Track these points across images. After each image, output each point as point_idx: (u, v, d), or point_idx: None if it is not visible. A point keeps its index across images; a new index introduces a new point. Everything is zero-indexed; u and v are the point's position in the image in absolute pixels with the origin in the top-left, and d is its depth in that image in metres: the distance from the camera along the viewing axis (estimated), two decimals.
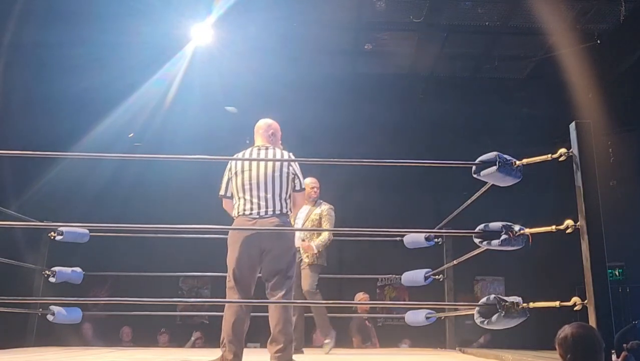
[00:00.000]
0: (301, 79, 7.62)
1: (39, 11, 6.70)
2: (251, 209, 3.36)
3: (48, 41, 7.11)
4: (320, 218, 4.97)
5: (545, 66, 7.88)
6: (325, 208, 5.00)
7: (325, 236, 4.91)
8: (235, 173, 3.46)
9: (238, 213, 3.40)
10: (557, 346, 2.20)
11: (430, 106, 8.24)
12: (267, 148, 3.55)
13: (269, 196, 3.38)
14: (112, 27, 6.95)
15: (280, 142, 3.69)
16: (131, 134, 8.01)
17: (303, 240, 4.88)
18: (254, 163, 3.46)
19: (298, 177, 3.50)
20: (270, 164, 3.45)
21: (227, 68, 7.39)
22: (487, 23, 7.27)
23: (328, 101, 7.93)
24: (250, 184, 3.40)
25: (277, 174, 3.42)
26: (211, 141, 7.25)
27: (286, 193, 3.44)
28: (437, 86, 8.23)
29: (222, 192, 3.53)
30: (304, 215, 4.98)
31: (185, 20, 6.89)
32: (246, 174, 3.43)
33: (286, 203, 3.43)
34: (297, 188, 3.51)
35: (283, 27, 7.19)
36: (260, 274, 3.41)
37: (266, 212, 3.35)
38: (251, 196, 3.38)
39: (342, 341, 6.54)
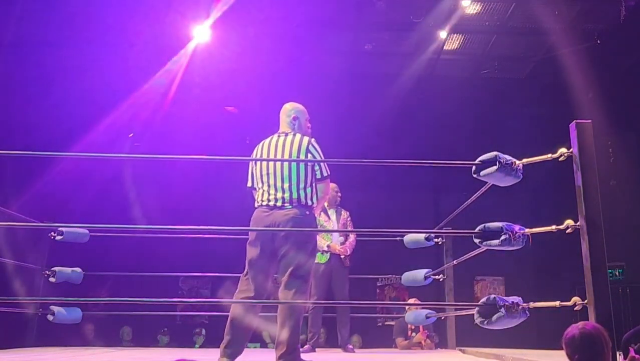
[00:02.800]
0: (301, 79, 7.63)
1: (39, 11, 6.70)
2: (268, 199, 3.19)
3: (48, 41, 7.11)
4: (347, 223, 5.29)
5: (545, 66, 7.89)
6: (348, 213, 5.36)
7: (352, 239, 5.26)
8: (255, 163, 3.31)
9: (257, 203, 3.26)
10: (564, 346, 2.17)
11: (430, 106, 8.24)
12: (286, 135, 3.35)
13: (286, 185, 3.17)
14: (112, 27, 6.95)
15: (308, 125, 3.50)
16: (131, 134, 8.01)
17: (342, 243, 5.17)
18: (272, 151, 3.28)
19: (319, 164, 3.25)
20: (287, 151, 3.24)
21: (227, 68, 7.40)
22: (487, 23, 7.28)
23: (328, 100, 7.92)
24: (268, 173, 3.23)
25: (294, 162, 3.21)
26: (211, 141, 7.26)
27: (305, 182, 3.21)
28: (437, 86, 8.24)
29: (248, 183, 3.38)
30: (334, 219, 5.22)
31: (185, 20, 6.89)
32: (264, 163, 3.26)
33: (306, 193, 3.20)
34: (318, 175, 3.27)
35: (283, 27, 7.19)
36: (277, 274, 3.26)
37: (283, 203, 3.16)
38: (269, 185, 3.21)
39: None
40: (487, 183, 3.16)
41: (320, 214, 5.18)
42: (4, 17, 6.55)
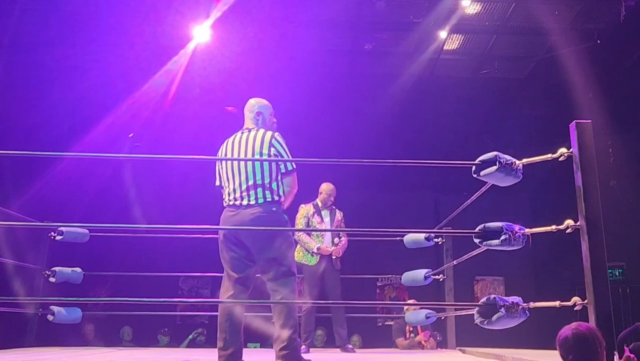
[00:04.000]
0: (301, 79, 7.63)
1: (39, 11, 6.71)
2: (234, 198, 3.16)
3: (48, 41, 7.11)
4: (341, 224, 5.24)
5: (545, 66, 7.88)
6: (342, 213, 5.31)
7: (345, 241, 5.23)
8: (220, 161, 3.29)
9: (224, 202, 3.23)
10: (557, 347, 2.17)
11: (430, 106, 8.25)
12: (249, 130, 3.31)
13: (251, 183, 3.13)
14: (112, 27, 6.95)
15: (274, 120, 3.44)
16: (131, 134, 8.01)
17: (336, 244, 5.15)
18: (235, 149, 3.23)
19: (284, 159, 3.21)
20: (250, 148, 3.19)
21: (227, 68, 7.40)
22: (487, 23, 7.28)
23: (328, 100, 7.93)
24: (233, 171, 3.19)
25: (257, 158, 3.16)
26: (211, 141, 7.25)
27: (270, 178, 3.16)
28: (437, 86, 8.24)
29: (216, 182, 3.36)
30: (328, 220, 5.18)
31: (185, 20, 6.89)
32: (228, 161, 3.23)
33: (272, 189, 3.15)
34: (283, 170, 3.21)
35: (283, 27, 7.19)
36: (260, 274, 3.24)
37: (248, 202, 3.12)
38: (233, 184, 3.18)
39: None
40: (487, 182, 3.16)
41: (313, 215, 5.18)
42: (4, 17, 6.55)
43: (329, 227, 5.13)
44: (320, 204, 5.24)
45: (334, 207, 5.29)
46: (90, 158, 6.05)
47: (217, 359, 3.09)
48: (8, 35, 6.69)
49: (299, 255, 5.09)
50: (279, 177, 3.21)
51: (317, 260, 5.08)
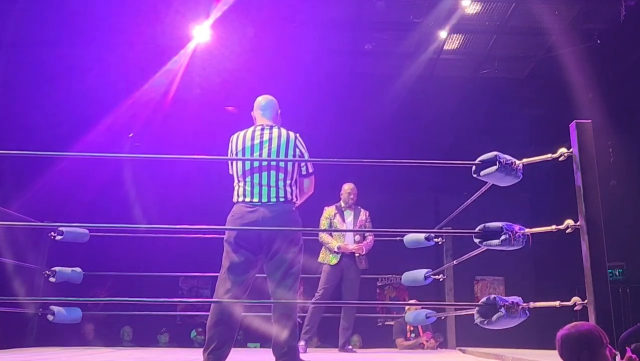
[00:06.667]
0: (301, 79, 7.63)
1: (38, 11, 6.71)
2: (252, 195, 3.03)
3: (48, 41, 7.11)
4: (366, 223, 5.24)
5: (545, 66, 7.89)
6: (367, 213, 5.30)
7: (370, 239, 5.21)
8: (236, 155, 3.13)
9: (238, 198, 3.08)
10: (557, 346, 2.17)
11: (430, 106, 8.25)
12: (271, 128, 3.19)
13: (273, 181, 3.04)
14: (112, 27, 6.96)
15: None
16: (131, 134, 8.01)
17: (357, 242, 5.14)
18: (257, 145, 3.12)
19: (305, 160, 3.17)
20: (274, 145, 3.11)
21: (227, 68, 7.40)
22: (487, 23, 7.28)
23: (328, 100, 7.93)
24: (252, 167, 3.07)
25: (282, 156, 3.09)
26: (211, 141, 7.26)
27: (292, 178, 3.10)
28: (437, 86, 8.24)
29: (230, 171, 3.21)
30: (350, 220, 5.18)
31: (185, 20, 6.90)
32: (247, 155, 3.10)
33: (292, 190, 3.09)
34: (304, 172, 3.18)
35: (283, 27, 7.19)
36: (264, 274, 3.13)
37: (269, 199, 3.02)
38: (252, 180, 3.05)
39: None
40: (487, 182, 3.16)
41: (335, 216, 5.20)
42: (4, 17, 6.55)
43: (350, 227, 5.14)
44: (342, 204, 5.27)
45: (359, 207, 5.30)
46: (90, 158, 6.05)
47: (204, 359, 2.97)
48: (8, 35, 6.69)
49: (322, 255, 5.17)
50: (297, 179, 3.17)
51: (338, 259, 5.10)
